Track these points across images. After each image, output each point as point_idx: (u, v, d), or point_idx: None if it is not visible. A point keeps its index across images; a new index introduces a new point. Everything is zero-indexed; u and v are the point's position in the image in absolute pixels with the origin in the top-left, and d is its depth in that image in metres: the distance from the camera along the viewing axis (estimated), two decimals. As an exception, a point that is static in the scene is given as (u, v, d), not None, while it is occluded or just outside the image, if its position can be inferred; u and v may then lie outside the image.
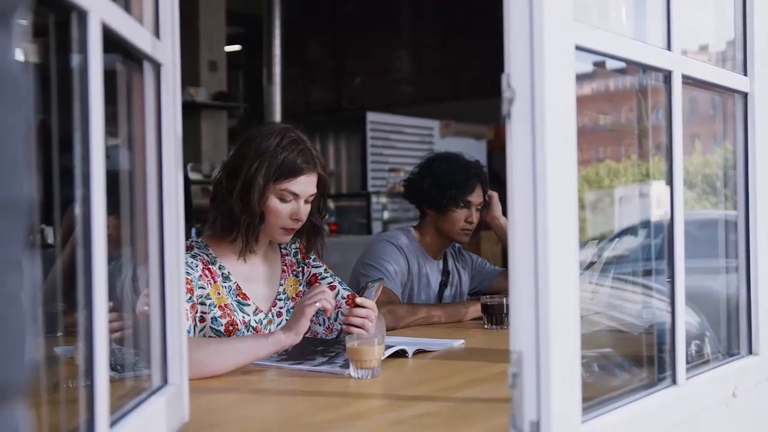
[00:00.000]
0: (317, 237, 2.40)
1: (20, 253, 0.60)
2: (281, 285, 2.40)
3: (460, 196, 3.05)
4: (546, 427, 1.19)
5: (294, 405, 1.74)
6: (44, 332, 1.31)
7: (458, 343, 2.42)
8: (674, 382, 1.56)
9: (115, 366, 1.37)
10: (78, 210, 1.04)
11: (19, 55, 0.61)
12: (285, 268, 2.43)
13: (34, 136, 0.62)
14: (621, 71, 1.77)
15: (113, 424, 1.13)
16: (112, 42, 1.14)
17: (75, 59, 1.04)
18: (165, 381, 1.42)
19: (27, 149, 0.61)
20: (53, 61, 1.08)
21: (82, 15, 1.03)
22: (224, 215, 2.25)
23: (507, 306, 2.72)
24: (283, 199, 2.24)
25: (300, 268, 2.46)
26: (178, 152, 1.44)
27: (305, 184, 2.26)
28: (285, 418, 1.66)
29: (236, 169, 2.24)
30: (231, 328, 2.22)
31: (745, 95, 1.87)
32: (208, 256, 2.26)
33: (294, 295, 2.41)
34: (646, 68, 1.61)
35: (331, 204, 7.84)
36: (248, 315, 2.28)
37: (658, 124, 1.75)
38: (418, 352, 2.25)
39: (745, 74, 1.87)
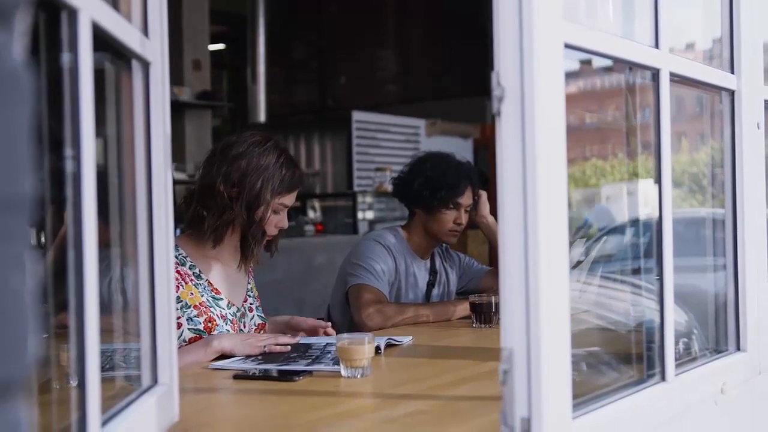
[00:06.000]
0: (279, 234, 2.49)
1: (23, 250, 0.60)
2: (249, 284, 2.54)
3: (451, 198, 3.05)
4: (537, 423, 1.19)
5: (284, 404, 1.74)
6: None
7: (407, 340, 2.44)
8: (663, 378, 1.56)
9: (104, 366, 1.37)
10: (68, 210, 1.04)
11: (20, 54, 0.61)
12: (250, 269, 2.56)
13: (35, 134, 0.62)
14: (607, 69, 1.77)
15: (104, 423, 1.12)
16: (101, 40, 1.14)
17: (65, 58, 1.04)
18: (155, 381, 1.41)
19: (29, 147, 0.61)
20: (42, 60, 1.08)
21: (72, 13, 1.02)
22: (225, 225, 2.34)
23: (495, 304, 2.72)
24: (275, 212, 2.38)
25: (253, 275, 2.61)
26: (167, 151, 1.44)
27: (294, 197, 2.44)
28: (275, 417, 1.65)
29: (237, 182, 2.32)
30: (210, 324, 2.31)
31: (732, 93, 1.88)
32: (177, 257, 2.29)
33: (256, 295, 2.57)
34: (634, 66, 1.62)
35: (317, 204, 7.83)
36: (223, 309, 2.37)
37: (645, 123, 1.76)
38: (389, 346, 2.31)
39: (732, 72, 1.88)
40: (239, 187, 2.32)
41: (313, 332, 2.48)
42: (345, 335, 2.00)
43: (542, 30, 1.20)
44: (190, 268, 2.35)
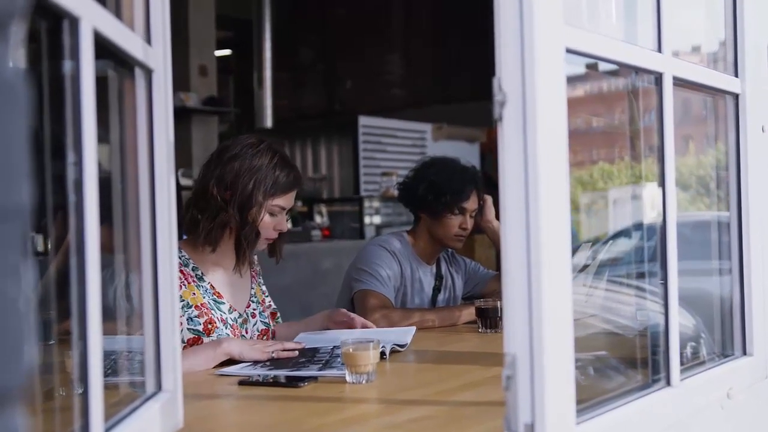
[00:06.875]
0: (282, 240, 2.49)
1: (19, 260, 0.60)
2: (252, 289, 2.53)
3: (456, 203, 3.05)
4: (540, 429, 1.19)
5: (289, 411, 1.74)
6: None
7: (411, 332, 2.49)
8: (668, 383, 1.56)
9: (107, 371, 1.37)
10: (70, 217, 1.04)
11: (16, 63, 0.62)
12: (253, 274, 2.57)
13: (32, 143, 0.63)
14: (614, 73, 1.77)
15: (107, 430, 1.13)
16: (103, 48, 1.14)
17: (66, 65, 1.04)
18: (159, 387, 1.42)
19: (26, 156, 0.61)
20: (44, 67, 1.08)
21: (74, 22, 1.02)
22: (219, 227, 2.34)
23: (501, 309, 2.71)
24: (272, 214, 2.38)
25: (260, 279, 2.61)
26: (171, 158, 1.44)
27: (292, 199, 2.43)
28: (280, 423, 1.65)
29: (230, 184, 2.33)
30: (210, 326, 2.32)
31: (736, 96, 1.88)
32: (180, 258, 2.30)
33: (260, 300, 2.55)
34: (637, 70, 1.62)
35: (324, 208, 7.83)
36: (224, 313, 2.38)
37: (651, 126, 1.75)
38: (394, 352, 2.31)
39: (736, 75, 1.87)
40: (232, 189, 2.32)
41: (350, 325, 2.52)
42: (350, 340, 2.00)
43: (543, 34, 1.20)
44: (192, 270, 2.36)
